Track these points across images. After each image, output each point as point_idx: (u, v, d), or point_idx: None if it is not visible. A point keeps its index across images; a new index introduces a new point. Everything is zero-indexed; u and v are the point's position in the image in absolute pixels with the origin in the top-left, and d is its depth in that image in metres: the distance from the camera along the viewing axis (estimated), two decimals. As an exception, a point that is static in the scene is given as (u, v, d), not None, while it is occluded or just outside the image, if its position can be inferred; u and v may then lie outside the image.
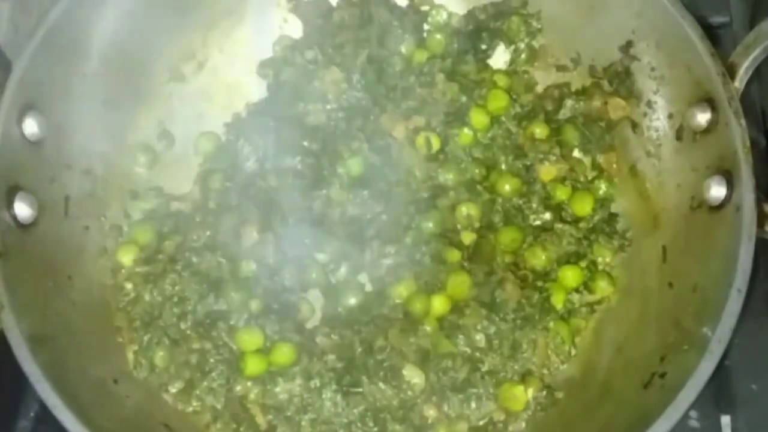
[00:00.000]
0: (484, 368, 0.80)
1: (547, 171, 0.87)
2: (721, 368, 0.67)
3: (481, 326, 0.80)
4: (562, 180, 0.87)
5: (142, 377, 0.80)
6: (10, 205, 0.74)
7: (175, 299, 0.82)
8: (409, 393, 0.78)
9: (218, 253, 0.84)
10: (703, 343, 0.68)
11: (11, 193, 0.74)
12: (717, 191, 0.75)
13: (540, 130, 0.89)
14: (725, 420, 0.80)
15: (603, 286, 0.84)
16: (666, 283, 0.80)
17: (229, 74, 0.95)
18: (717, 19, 0.97)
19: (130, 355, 0.81)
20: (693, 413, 0.79)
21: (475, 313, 0.81)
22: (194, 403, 0.79)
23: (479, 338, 0.80)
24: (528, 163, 0.88)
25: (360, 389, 0.78)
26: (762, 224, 0.71)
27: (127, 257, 0.85)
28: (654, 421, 0.66)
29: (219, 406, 0.79)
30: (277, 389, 0.78)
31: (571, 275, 0.84)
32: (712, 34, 0.78)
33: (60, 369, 0.70)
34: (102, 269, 0.84)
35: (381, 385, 0.78)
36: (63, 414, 0.67)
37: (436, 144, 0.88)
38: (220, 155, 0.91)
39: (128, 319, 0.82)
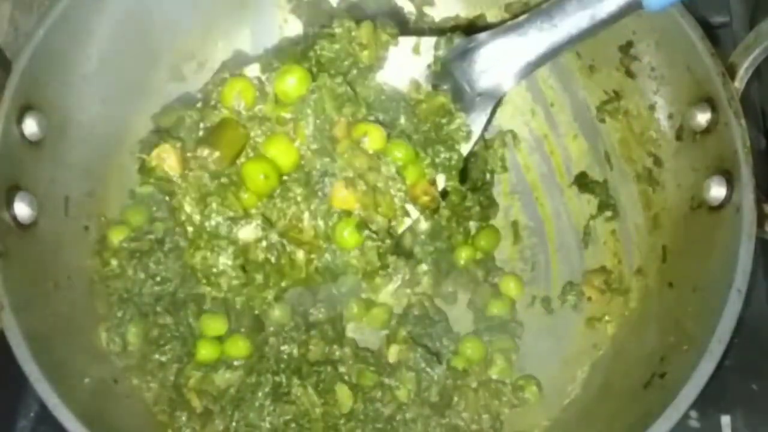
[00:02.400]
0: (408, 415, 0.80)
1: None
2: (721, 368, 0.67)
3: (413, 362, 0.81)
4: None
5: (114, 355, 0.81)
6: (10, 205, 0.74)
7: (158, 278, 0.83)
8: (335, 411, 0.79)
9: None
10: (703, 343, 0.68)
11: (11, 193, 0.74)
12: (717, 191, 0.75)
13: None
14: (725, 420, 0.80)
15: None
16: (666, 283, 0.80)
17: (229, 74, 0.95)
18: (717, 19, 0.97)
19: (103, 333, 0.81)
20: (693, 413, 0.79)
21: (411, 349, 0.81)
22: (147, 378, 0.80)
23: (410, 375, 0.80)
24: None
25: (291, 391, 0.79)
26: (762, 224, 0.71)
27: (117, 237, 0.85)
28: (654, 421, 0.66)
29: (167, 384, 0.80)
30: (217, 376, 0.79)
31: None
32: (712, 34, 0.78)
33: (60, 369, 0.70)
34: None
35: (311, 391, 0.78)
36: (63, 414, 0.67)
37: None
38: None
39: (106, 294, 0.83)
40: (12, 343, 0.68)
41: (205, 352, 0.80)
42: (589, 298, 0.87)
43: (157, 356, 0.81)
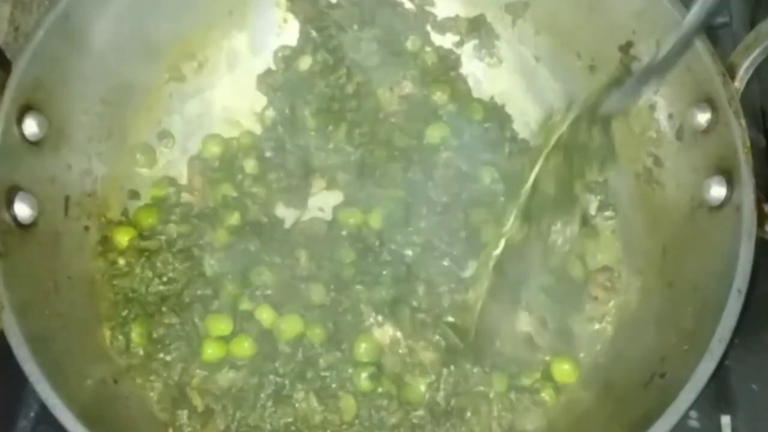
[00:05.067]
0: (415, 421, 0.79)
1: None
2: (721, 368, 0.68)
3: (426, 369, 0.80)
4: None
5: (118, 354, 0.81)
6: (10, 205, 0.74)
7: (164, 278, 0.83)
8: (336, 418, 0.78)
9: (221, 254, 0.84)
10: (703, 343, 0.68)
11: (11, 193, 0.74)
12: (717, 191, 0.75)
13: None
14: (725, 420, 0.80)
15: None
16: (666, 283, 0.80)
17: (229, 74, 0.96)
18: (717, 19, 0.97)
19: (107, 332, 0.81)
20: (693, 413, 0.79)
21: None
22: (151, 378, 0.80)
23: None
24: None
25: (294, 395, 0.78)
26: (762, 224, 0.71)
27: (124, 238, 0.85)
28: (654, 421, 0.66)
29: (170, 383, 0.80)
30: (220, 375, 0.79)
31: None
32: (712, 34, 0.78)
33: (60, 369, 0.70)
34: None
35: (313, 397, 0.78)
36: (63, 414, 0.67)
37: None
38: (226, 160, 0.91)
39: (112, 293, 0.83)
40: (12, 343, 0.68)
41: (211, 352, 0.80)
42: (595, 298, 0.86)
43: (162, 356, 0.80)
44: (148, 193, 0.89)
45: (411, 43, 0.94)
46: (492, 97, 0.94)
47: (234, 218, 0.86)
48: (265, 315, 0.82)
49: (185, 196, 0.89)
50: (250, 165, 0.90)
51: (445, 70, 0.95)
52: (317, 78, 0.92)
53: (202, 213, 0.87)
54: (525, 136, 0.94)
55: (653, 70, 0.76)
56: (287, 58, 0.94)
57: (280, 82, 0.93)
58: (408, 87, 0.92)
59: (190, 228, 0.85)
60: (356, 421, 0.79)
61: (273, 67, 0.95)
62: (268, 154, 0.90)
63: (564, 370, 0.82)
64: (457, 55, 0.96)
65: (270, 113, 0.93)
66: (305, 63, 0.93)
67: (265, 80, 0.94)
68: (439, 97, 0.92)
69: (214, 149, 0.91)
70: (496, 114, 0.92)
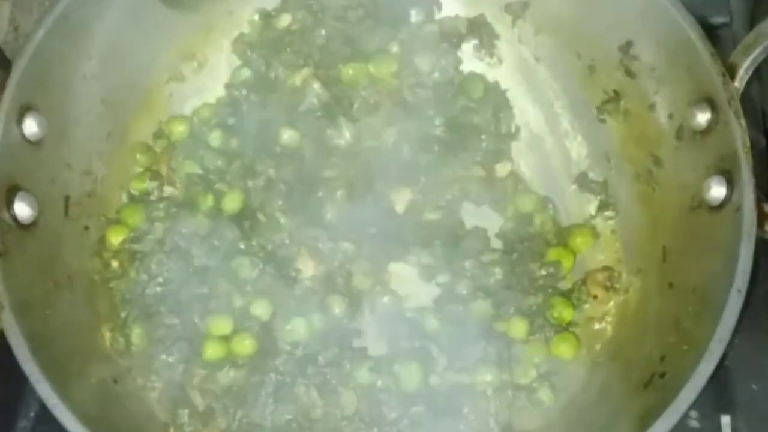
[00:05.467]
0: (415, 417, 0.78)
1: None
2: (721, 368, 0.67)
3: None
4: None
5: (118, 355, 0.81)
6: (10, 205, 0.74)
7: (160, 279, 0.83)
8: (337, 412, 0.78)
9: (206, 244, 0.85)
10: (703, 343, 0.68)
11: (11, 193, 0.74)
12: (717, 191, 0.75)
13: None
14: (725, 420, 0.80)
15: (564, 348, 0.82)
16: (666, 283, 0.80)
17: (229, 75, 0.95)
18: (717, 19, 0.97)
19: (107, 333, 0.81)
20: (693, 413, 0.79)
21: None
22: (152, 378, 0.80)
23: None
24: None
25: (294, 390, 0.78)
26: (762, 224, 0.71)
27: (116, 238, 0.85)
28: (654, 421, 0.66)
29: (171, 383, 0.80)
30: (221, 374, 0.79)
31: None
32: (712, 34, 0.78)
33: (60, 369, 0.70)
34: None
35: (313, 392, 0.78)
36: (63, 414, 0.67)
37: None
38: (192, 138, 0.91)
39: (109, 295, 0.83)
40: (12, 343, 0.68)
41: (212, 351, 0.81)
42: (595, 296, 0.86)
43: (164, 357, 0.81)
44: (133, 186, 0.89)
45: (415, 14, 0.94)
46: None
47: (208, 201, 0.86)
48: (260, 310, 0.82)
49: (168, 190, 0.89)
50: (215, 138, 0.90)
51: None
52: (296, 36, 0.92)
53: (180, 201, 0.87)
54: (525, 135, 0.94)
55: None
56: (267, 16, 0.94)
57: (257, 41, 0.93)
58: (395, 50, 0.92)
59: (173, 221, 0.85)
60: (356, 417, 0.79)
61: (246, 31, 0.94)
62: (230, 121, 0.90)
63: (563, 347, 0.82)
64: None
65: (245, 73, 0.92)
66: (284, 20, 0.92)
67: (241, 41, 0.94)
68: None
69: (180, 128, 0.91)
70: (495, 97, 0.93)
